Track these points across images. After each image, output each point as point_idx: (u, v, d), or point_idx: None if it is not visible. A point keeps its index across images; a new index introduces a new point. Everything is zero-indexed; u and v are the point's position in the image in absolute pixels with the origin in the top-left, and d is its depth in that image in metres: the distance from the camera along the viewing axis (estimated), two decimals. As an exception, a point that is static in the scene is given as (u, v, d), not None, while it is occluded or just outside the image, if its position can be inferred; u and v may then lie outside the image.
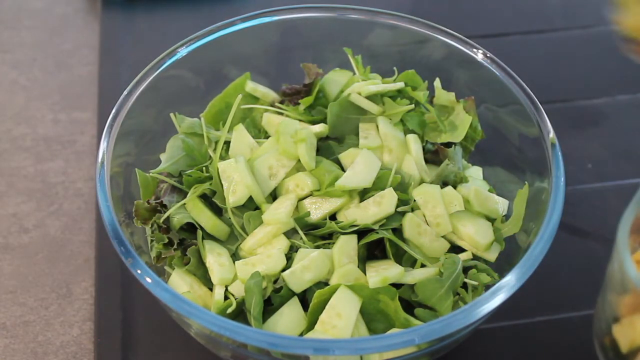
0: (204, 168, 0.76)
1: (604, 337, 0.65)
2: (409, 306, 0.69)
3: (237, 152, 0.77)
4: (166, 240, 0.72)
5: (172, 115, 0.78)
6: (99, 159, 0.71)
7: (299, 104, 0.81)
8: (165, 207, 0.74)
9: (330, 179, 0.73)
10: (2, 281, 0.83)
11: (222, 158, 0.76)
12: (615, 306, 0.62)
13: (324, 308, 0.67)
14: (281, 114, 0.80)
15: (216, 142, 0.78)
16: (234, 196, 0.73)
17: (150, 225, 0.74)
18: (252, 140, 0.78)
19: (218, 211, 0.75)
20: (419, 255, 0.71)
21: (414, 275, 0.70)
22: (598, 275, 0.73)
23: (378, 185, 0.74)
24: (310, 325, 0.67)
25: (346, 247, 0.71)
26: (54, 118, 0.98)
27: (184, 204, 0.74)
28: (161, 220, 0.73)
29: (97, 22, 1.09)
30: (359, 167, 0.74)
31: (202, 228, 0.73)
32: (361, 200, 0.74)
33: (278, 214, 0.72)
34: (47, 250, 0.85)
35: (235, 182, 0.73)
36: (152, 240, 0.73)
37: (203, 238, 0.73)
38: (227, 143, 0.78)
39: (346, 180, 0.73)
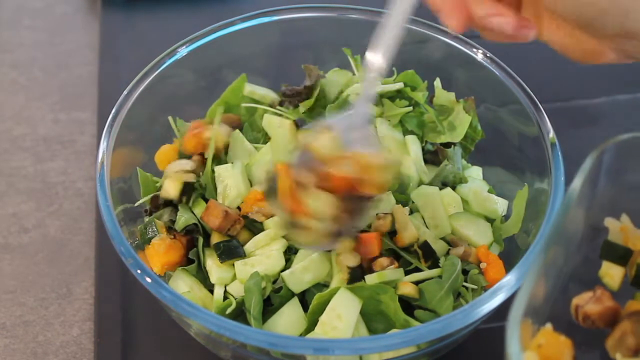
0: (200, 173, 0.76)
1: None
2: (409, 308, 0.69)
3: (235, 157, 0.77)
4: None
5: (170, 118, 0.79)
6: (99, 159, 0.71)
7: (298, 105, 0.81)
8: (175, 207, 0.74)
9: None
10: (2, 281, 0.83)
11: (220, 162, 0.76)
12: None
13: (323, 309, 0.66)
14: (281, 115, 0.80)
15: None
16: (225, 200, 0.73)
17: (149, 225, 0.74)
18: (250, 146, 0.78)
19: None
20: (413, 260, 0.71)
21: (413, 275, 0.70)
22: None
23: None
24: (310, 326, 0.67)
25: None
26: (54, 118, 0.98)
27: (190, 205, 0.74)
28: (166, 218, 0.73)
29: (97, 22, 1.09)
30: None
31: (204, 229, 0.73)
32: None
33: (277, 217, 0.72)
34: (47, 250, 0.85)
35: (229, 187, 0.73)
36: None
37: (203, 245, 0.73)
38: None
39: None
